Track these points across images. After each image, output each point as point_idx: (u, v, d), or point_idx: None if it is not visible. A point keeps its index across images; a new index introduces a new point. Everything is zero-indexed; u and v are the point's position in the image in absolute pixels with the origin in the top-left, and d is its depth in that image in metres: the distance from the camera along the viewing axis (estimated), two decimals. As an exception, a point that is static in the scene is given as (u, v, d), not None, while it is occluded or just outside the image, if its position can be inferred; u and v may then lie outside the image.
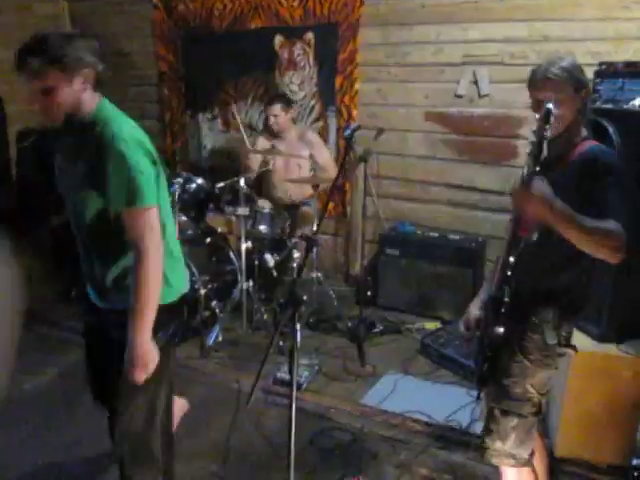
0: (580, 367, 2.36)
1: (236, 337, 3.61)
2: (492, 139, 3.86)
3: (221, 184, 3.70)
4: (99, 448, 2.40)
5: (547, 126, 1.47)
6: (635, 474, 2.30)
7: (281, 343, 3.39)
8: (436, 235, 4.05)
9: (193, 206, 3.70)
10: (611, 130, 2.32)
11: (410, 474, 2.48)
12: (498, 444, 1.81)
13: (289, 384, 1.58)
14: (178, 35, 4.89)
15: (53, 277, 4.44)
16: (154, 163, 1.71)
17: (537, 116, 1.62)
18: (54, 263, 4.49)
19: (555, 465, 2.43)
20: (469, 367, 3.01)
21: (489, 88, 3.80)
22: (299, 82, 4.46)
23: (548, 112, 1.46)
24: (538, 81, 1.71)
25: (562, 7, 3.47)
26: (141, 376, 1.72)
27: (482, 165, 3.94)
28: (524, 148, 3.57)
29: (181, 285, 1.91)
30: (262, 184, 4.31)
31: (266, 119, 4.28)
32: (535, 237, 1.69)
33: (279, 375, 3.08)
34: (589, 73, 3.05)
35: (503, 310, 1.72)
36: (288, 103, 4.14)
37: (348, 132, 2.18)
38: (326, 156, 4.22)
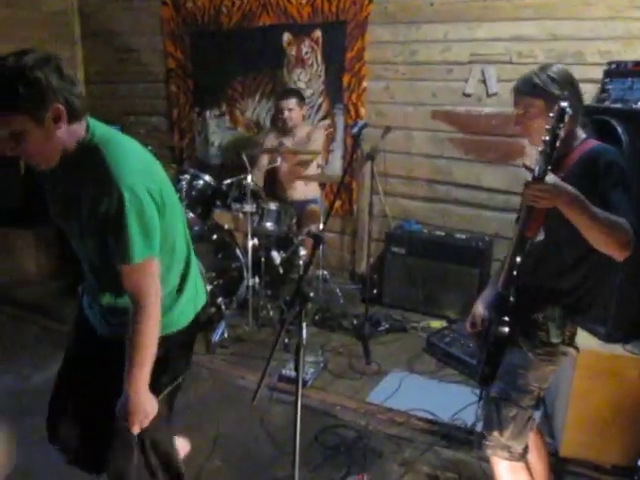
0: (586, 367, 2.36)
1: (242, 334, 3.62)
2: (499, 138, 3.85)
3: (228, 181, 3.71)
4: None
5: (561, 124, 1.46)
6: (640, 475, 2.29)
7: (287, 340, 3.41)
8: (442, 234, 4.05)
9: (200, 203, 3.71)
10: (620, 130, 2.31)
11: (414, 472, 2.48)
12: (495, 434, 1.83)
13: (295, 381, 1.59)
14: (186, 32, 4.89)
15: (60, 272, 4.48)
16: (159, 193, 1.54)
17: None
18: (61, 259, 4.53)
19: (560, 465, 2.44)
20: (474, 366, 3.00)
21: (497, 87, 3.79)
22: (307, 79, 4.46)
23: (563, 111, 1.45)
24: (514, 95, 1.79)
25: (571, 6, 3.45)
26: (136, 428, 1.63)
27: (489, 164, 3.94)
28: (531, 148, 3.55)
29: (193, 307, 1.84)
30: (269, 181, 4.31)
31: (274, 116, 4.26)
32: (542, 237, 1.70)
33: (285, 372, 3.09)
34: (598, 72, 3.09)
35: (509, 310, 1.73)
36: (302, 98, 4.14)
37: (356, 130, 2.16)
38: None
